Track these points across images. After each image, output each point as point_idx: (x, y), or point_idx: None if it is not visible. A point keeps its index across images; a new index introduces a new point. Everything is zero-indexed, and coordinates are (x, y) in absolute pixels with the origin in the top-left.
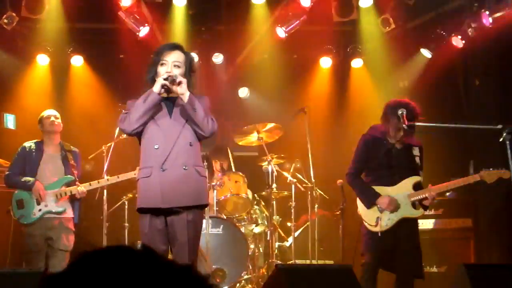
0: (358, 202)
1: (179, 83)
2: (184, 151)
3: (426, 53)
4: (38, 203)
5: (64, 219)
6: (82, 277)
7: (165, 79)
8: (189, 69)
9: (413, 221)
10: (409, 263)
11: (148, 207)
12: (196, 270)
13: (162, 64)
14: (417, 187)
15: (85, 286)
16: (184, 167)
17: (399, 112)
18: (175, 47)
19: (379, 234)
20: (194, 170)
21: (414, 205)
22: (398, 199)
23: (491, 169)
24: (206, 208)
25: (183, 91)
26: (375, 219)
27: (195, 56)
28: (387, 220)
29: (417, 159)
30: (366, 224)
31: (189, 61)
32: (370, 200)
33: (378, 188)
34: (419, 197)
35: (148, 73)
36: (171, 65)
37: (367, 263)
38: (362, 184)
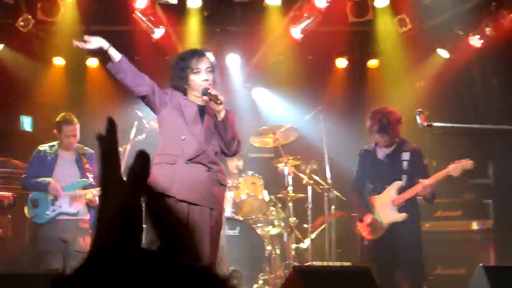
0: None
1: (220, 103)
2: (211, 155)
3: (443, 53)
4: (53, 204)
5: (80, 221)
6: (93, 279)
7: (205, 94)
8: (216, 70)
9: (411, 224)
10: (412, 265)
11: (162, 192)
12: (216, 271)
13: (195, 73)
14: (401, 191)
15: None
16: (207, 169)
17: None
18: (204, 52)
19: (371, 243)
20: (216, 176)
21: (399, 209)
22: (384, 206)
23: (455, 162)
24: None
25: (219, 109)
26: (367, 229)
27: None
28: (376, 229)
29: (405, 164)
30: (362, 235)
31: (215, 63)
32: (360, 217)
33: (370, 198)
34: (401, 200)
35: (175, 79)
36: (204, 72)
37: (374, 269)
38: (356, 199)
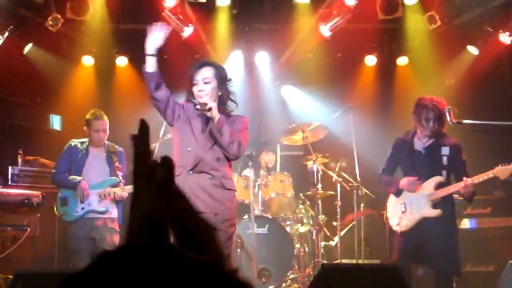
0: (388, 203)
1: (209, 109)
2: (212, 162)
3: (473, 50)
4: (82, 202)
5: (108, 220)
6: (99, 276)
7: (196, 106)
8: (221, 81)
9: (445, 220)
10: (443, 261)
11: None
12: (224, 264)
13: (194, 84)
14: (439, 187)
15: (102, 285)
16: (209, 177)
17: (446, 109)
18: (203, 64)
19: (399, 234)
20: (220, 181)
21: (434, 205)
22: (418, 200)
23: (503, 164)
24: (251, 208)
25: (212, 116)
26: (397, 220)
27: (237, 56)
28: (407, 221)
29: (445, 159)
30: (390, 224)
31: (219, 74)
32: (395, 187)
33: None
34: (438, 196)
35: (187, 92)
36: (201, 83)
37: (395, 262)
38: (387, 178)
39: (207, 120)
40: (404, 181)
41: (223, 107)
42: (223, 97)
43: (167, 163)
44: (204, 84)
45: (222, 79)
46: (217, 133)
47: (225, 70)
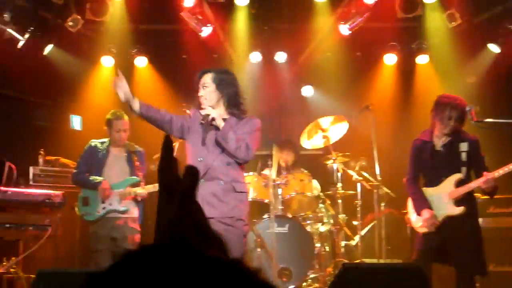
0: (409, 203)
1: (212, 119)
2: (222, 168)
3: (494, 48)
4: (103, 202)
5: (129, 219)
6: (124, 275)
7: (200, 121)
8: (220, 84)
9: (468, 218)
10: (468, 261)
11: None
12: (246, 264)
13: (197, 91)
14: (460, 184)
15: (127, 285)
16: (220, 183)
17: (467, 108)
18: (204, 72)
19: (421, 234)
20: (231, 185)
21: (457, 203)
22: (439, 199)
23: None
24: (271, 207)
25: (217, 124)
26: (420, 220)
27: (256, 56)
28: None
29: (463, 155)
30: (413, 226)
31: (217, 77)
32: (417, 211)
33: (424, 190)
34: (460, 193)
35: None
36: (201, 89)
37: (415, 261)
38: (414, 193)
39: (215, 128)
40: (426, 215)
41: (231, 110)
42: (226, 99)
43: (192, 172)
44: (203, 89)
45: (221, 81)
46: (222, 141)
47: (225, 73)
